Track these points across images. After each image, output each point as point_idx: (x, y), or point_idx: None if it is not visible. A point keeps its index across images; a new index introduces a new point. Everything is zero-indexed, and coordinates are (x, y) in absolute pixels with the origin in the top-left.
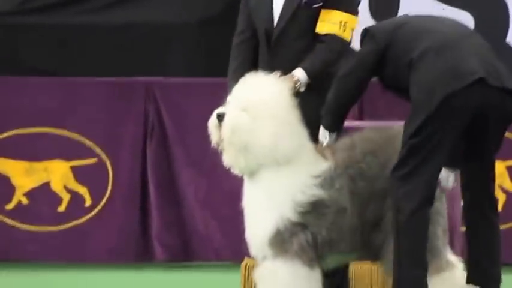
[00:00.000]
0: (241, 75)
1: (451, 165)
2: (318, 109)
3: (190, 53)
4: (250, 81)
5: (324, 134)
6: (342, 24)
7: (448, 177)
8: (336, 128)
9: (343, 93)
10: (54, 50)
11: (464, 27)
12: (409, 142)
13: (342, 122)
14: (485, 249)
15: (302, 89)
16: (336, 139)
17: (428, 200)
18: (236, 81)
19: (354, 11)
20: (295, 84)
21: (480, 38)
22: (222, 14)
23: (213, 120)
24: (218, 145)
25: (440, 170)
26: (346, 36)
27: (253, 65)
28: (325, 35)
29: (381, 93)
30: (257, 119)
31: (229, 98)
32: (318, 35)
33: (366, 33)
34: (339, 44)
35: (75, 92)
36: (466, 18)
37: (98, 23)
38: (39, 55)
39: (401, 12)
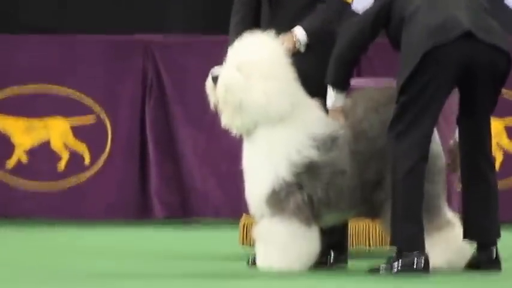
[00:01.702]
0: (242, 30)
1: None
2: (317, 68)
3: (190, 11)
4: (245, 40)
5: (330, 94)
6: None
7: None
8: (340, 84)
9: (346, 45)
10: (54, 8)
11: None
12: (401, 99)
13: (347, 79)
14: (481, 205)
15: (302, 49)
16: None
17: (424, 157)
18: (236, 36)
19: None
20: (295, 43)
21: None
22: None
23: (209, 82)
24: (216, 106)
25: (433, 126)
26: None
27: (254, 20)
28: None
29: (378, 51)
30: (250, 78)
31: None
32: None
33: None
34: (339, 4)
35: (75, 50)
36: None
37: None
38: (39, 13)
39: None
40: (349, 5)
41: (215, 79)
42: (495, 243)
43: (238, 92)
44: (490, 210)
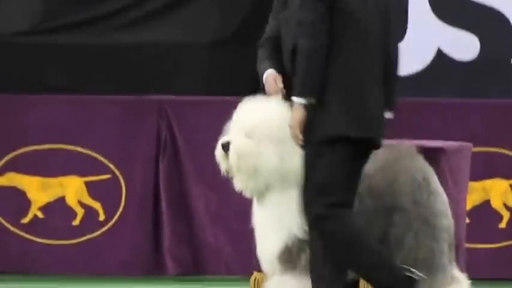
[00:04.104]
0: (275, 62)
1: None
2: None
3: (202, 73)
4: (250, 105)
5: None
6: None
7: None
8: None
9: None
10: (70, 69)
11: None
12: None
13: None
14: None
15: None
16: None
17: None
18: (266, 67)
19: None
20: None
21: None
22: (233, 35)
23: (219, 150)
24: (228, 172)
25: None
26: None
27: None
28: None
29: None
30: (261, 143)
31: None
32: None
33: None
34: None
35: (90, 110)
36: (471, 40)
37: (112, 43)
38: (56, 74)
39: (409, 31)
40: None
41: (225, 147)
42: None
43: (251, 158)
44: None
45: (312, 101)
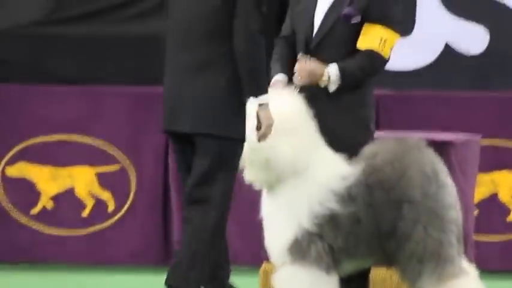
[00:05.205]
0: (285, 63)
1: None
2: (346, 126)
3: None
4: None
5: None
6: (382, 40)
7: None
8: None
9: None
10: (81, 59)
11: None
12: None
13: None
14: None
15: (332, 87)
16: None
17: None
18: (276, 70)
19: (396, 28)
20: (323, 76)
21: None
22: None
23: None
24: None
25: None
26: (384, 53)
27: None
28: (365, 50)
29: (396, 104)
30: (274, 136)
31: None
32: (358, 50)
33: None
34: (377, 59)
35: (100, 101)
36: (480, 32)
37: (123, 34)
38: (66, 65)
39: (418, 24)
40: (386, 60)
41: None
42: None
43: (265, 151)
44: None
45: None
